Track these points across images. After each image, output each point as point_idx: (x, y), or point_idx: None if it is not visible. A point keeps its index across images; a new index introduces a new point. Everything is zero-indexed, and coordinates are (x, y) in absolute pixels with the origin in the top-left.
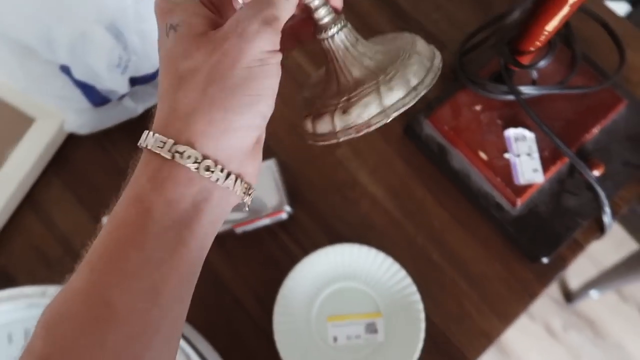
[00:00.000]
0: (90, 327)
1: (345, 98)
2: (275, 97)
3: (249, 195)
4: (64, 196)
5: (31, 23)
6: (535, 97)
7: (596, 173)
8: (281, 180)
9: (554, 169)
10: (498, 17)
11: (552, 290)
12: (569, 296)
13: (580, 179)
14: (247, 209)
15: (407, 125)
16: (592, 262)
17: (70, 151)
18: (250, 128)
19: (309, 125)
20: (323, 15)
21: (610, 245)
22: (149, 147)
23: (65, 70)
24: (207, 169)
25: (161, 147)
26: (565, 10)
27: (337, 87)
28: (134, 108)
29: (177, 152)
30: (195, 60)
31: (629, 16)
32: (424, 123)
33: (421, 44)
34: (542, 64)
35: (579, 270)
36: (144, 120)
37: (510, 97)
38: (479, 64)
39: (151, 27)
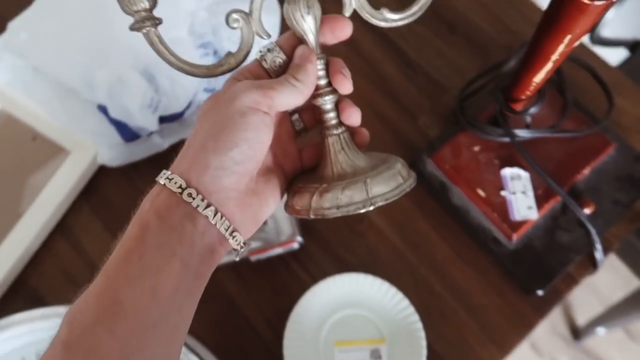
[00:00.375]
0: (103, 319)
1: (325, 185)
2: (253, 149)
3: (234, 238)
4: (92, 223)
5: (76, 68)
6: (530, 139)
7: (587, 211)
8: None
9: (548, 207)
10: (495, 65)
11: (559, 326)
12: (576, 333)
13: (572, 216)
14: (237, 258)
15: (411, 163)
16: (599, 299)
17: (100, 181)
18: (224, 170)
19: (289, 196)
20: (331, 118)
21: (617, 282)
22: (156, 178)
23: (102, 109)
24: (189, 195)
25: (161, 177)
26: (549, 66)
27: (322, 174)
28: (161, 143)
29: (168, 179)
30: (204, 107)
31: (627, 61)
32: (427, 161)
33: (400, 165)
34: (533, 111)
35: (586, 306)
36: (169, 155)
37: (506, 139)
38: (478, 108)
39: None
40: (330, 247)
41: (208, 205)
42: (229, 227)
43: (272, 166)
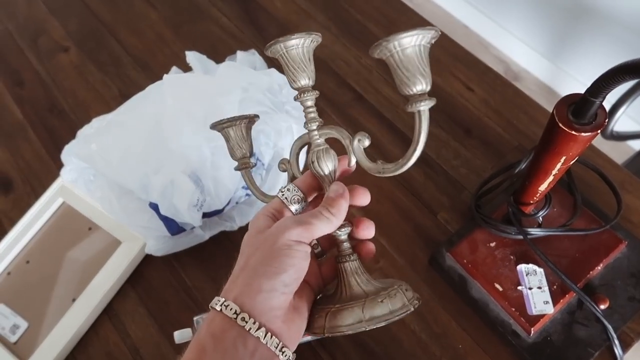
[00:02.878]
0: None
1: (338, 306)
2: (298, 273)
3: (283, 353)
4: (137, 309)
5: (134, 174)
6: (543, 237)
7: (602, 307)
8: None
9: (564, 301)
10: (508, 167)
11: None
12: None
13: (589, 311)
14: None
15: (431, 256)
16: None
17: (145, 269)
18: (275, 292)
19: (310, 318)
20: (345, 248)
21: None
22: (211, 305)
23: (154, 207)
24: (243, 319)
25: (217, 304)
26: (550, 178)
27: (336, 296)
28: (202, 235)
29: (224, 305)
30: (251, 241)
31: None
32: (446, 255)
33: (408, 288)
34: (541, 214)
35: None
36: (208, 245)
37: (520, 237)
38: (493, 206)
39: (222, 174)
40: (355, 335)
41: (259, 327)
42: (278, 345)
43: (303, 283)
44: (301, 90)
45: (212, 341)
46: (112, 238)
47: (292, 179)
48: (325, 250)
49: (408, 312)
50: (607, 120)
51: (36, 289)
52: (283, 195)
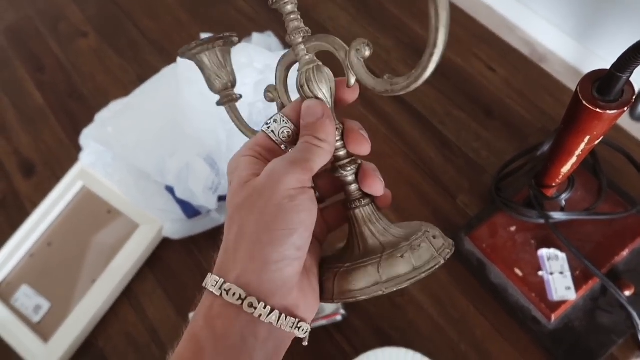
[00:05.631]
0: None
1: (349, 264)
2: (309, 229)
3: (300, 329)
4: (155, 290)
5: (150, 157)
6: (566, 221)
7: (627, 293)
8: None
9: (586, 288)
10: (531, 149)
11: None
12: None
13: (613, 298)
14: (305, 343)
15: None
16: None
17: (163, 252)
18: (286, 260)
19: (344, 280)
20: (353, 191)
21: None
22: (206, 287)
23: (170, 190)
24: (250, 305)
25: (214, 286)
26: (574, 159)
27: (349, 252)
28: (219, 218)
29: (224, 290)
30: (238, 198)
31: None
32: (465, 240)
33: (435, 234)
34: (564, 196)
35: None
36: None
37: (542, 221)
38: (514, 189)
39: None
40: (372, 320)
41: (272, 311)
42: (294, 323)
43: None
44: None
45: (212, 338)
46: (131, 221)
47: (281, 109)
48: (325, 197)
49: (437, 266)
50: (635, 98)
51: (58, 270)
52: (269, 127)
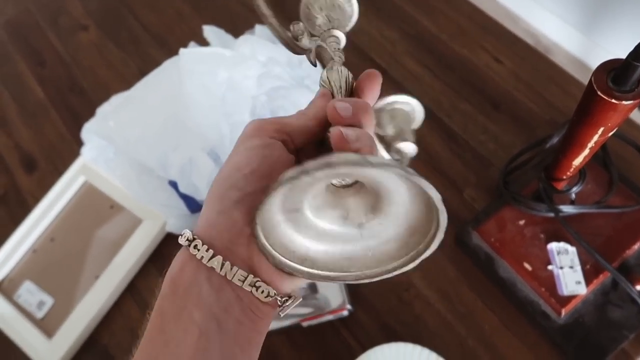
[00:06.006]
0: None
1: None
2: (255, 173)
3: (259, 289)
4: (158, 285)
5: (153, 151)
6: (576, 214)
7: (639, 287)
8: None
9: (597, 282)
10: (539, 141)
11: None
12: None
13: (624, 292)
14: (281, 314)
15: (457, 234)
16: None
17: (166, 247)
18: (227, 201)
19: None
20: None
21: None
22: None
23: (173, 184)
24: (195, 247)
25: (180, 235)
26: (586, 152)
27: None
28: None
29: (180, 235)
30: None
31: None
32: (472, 234)
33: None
34: (575, 190)
35: None
36: None
37: (551, 215)
38: (522, 182)
39: None
40: (379, 315)
41: (214, 255)
42: (245, 278)
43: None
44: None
45: (172, 283)
46: (134, 216)
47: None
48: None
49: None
50: None
51: (61, 266)
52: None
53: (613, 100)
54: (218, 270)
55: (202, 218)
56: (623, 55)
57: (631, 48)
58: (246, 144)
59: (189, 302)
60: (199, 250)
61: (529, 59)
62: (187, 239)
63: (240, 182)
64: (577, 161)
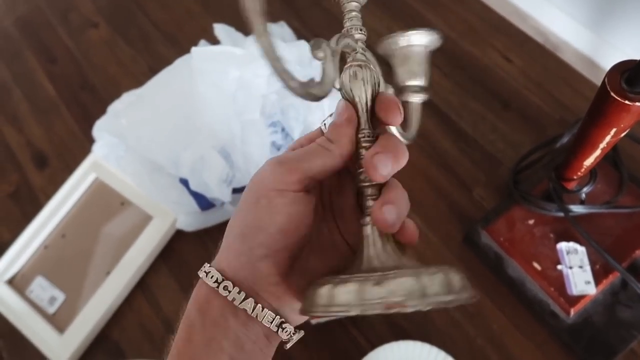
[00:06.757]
0: None
1: (379, 273)
2: (283, 233)
3: (284, 329)
4: (169, 283)
5: (164, 149)
6: (585, 214)
7: None
8: None
9: (607, 282)
10: (550, 141)
11: None
12: None
13: (633, 292)
14: (287, 347)
15: (466, 234)
16: None
17: (176, 244)
18: (254, 256)
19: (324, 292)
20: (369, 206)
21: None
22: (199, 272)
23: (184, 182)
24: (225, 288)
25: (201, 271)
26: (597, 152)
27: (351, 269)
28: (232, 211)
29: (205, 272)
30: (242, 196)
31: None
32: (482, 233)
33: (457, 276)
34: (585, 190)
35: None
36: None
37: (561, 214)
38: (532, 182)
39: (252, 149)
40: (388, 313)
41: (246, 297)
42: (273, 319)
43: (338, 240)
44: None
45: (199, 315)
46: (144, 213)
47: (330, 78)
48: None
49: (445, 300)
50: None
51: (72, 262)
52: (325, 125)
53: (626, 102)
54: (250, 312)
55: (224, 259)
56: (632, 52)
57: (639, 44)
58: (270, 202)
59: (218, 334)
60: (230, 292)
61: (539, 57)
62: (216, 281)
63: (266, 242)
64: (589, 161)
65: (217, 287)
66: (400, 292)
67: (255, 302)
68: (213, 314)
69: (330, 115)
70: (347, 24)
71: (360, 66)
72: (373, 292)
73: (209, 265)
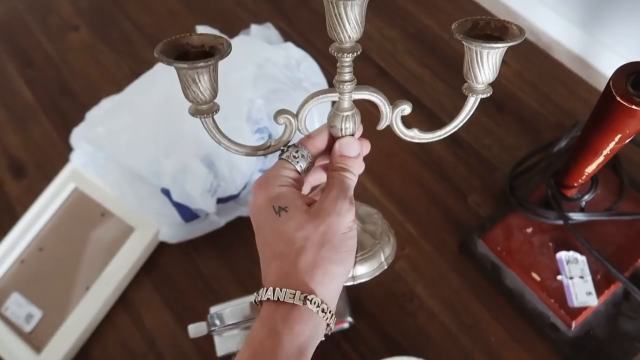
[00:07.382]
0: None
1: None
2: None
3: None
4: (152, 297)
5: (145, 157)
6: (585, 222)
7: None
8: (344, 291)
9: (608, 292)
10: (547, 145)
11: None
12: None
13: (636, 303)
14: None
15: (461, 242)
16: None
17: (160, 256)
18: (344, 275)
19: None
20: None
21: None
22: (280, 299)
23: (166, 192)
24: (323, 310)
25: (292, 297)
26: (600, 159)
27: None
28: (218, 222)
29: (306, 299)
30: (307, 230)
31: None
32: (478, 242)
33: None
34: (586, 198)
35: None
36: (225, 232)
37: (560, 222)
38: (529, 187)
39: (237, 157)
40: (381, 326)
41: (332, 315)
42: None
43: None
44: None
45: (292, 338)
46: (126, 224)
47: (288, 136)
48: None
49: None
50: None
51: (50, 277)
52: (298, 163)
53: (633, 107)
54: (332, 326)
55: (317, 279)
56: (623, 51)
57: (632, 44)
58: (352, 230)
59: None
60: (325, 313)
61: (534, 59)
62: (317, 305)
63: (353, 260)
64: (590, 169)
65: (318, 311)
66: None
67: (332, 316)
68: (302, 338)
69: (301, 155)
70: (342, 77)
71: (351, 115)
72: None
73: (299, 291)
